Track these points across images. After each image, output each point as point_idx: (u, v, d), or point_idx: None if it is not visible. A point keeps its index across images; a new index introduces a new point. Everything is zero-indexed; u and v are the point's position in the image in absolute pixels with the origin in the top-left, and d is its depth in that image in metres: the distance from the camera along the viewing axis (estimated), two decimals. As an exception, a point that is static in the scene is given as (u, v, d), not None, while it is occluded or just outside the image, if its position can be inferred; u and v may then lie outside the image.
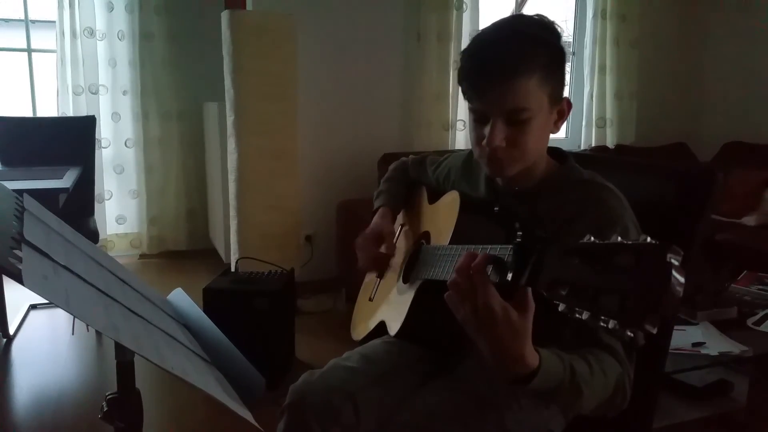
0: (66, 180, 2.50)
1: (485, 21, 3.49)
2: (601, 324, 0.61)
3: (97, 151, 3.57)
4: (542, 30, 1.00)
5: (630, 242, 0.61)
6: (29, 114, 3.98)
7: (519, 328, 0.77)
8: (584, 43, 4.09)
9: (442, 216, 1.21)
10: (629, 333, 0.59)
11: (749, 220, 3.43)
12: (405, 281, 1.23)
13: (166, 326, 0.86)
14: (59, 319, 3.04)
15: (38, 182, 2.44)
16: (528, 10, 4.21)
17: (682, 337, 1.86)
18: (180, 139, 4.12)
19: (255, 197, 2.96)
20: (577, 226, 0.99)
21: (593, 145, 4.14)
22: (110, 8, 3.85)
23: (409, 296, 1.16)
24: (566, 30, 4.27)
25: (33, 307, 3.14)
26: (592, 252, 0.64)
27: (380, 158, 3.24)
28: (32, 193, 0.98)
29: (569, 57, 4.10)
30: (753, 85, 4.15)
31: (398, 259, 1.33)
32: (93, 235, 2.84)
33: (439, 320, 1.12)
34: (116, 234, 4.16)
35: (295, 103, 3.01)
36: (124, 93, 3.96)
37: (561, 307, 0.66)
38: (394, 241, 1.36)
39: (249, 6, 3.27)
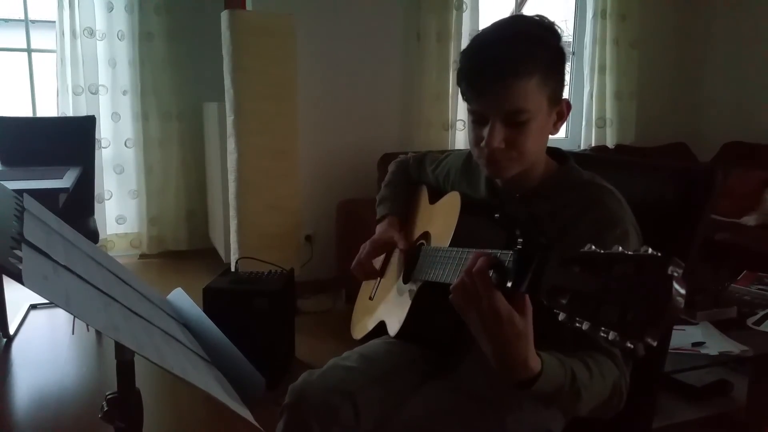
0: (66, 180, 2.50)
1: (485, 21, 3.49)
2: (602, 334, 0.61)
3: (97, 151, 3.57)
4: (542, 31, 0.99)
5: (632, 253, 0.61)
6: (29, 114, 3.98)
7: (522, 330, 0.78)
8: (584, 43, 4.09)
9: (443, 217, 1.20)
10: (629, 344, 0.59)
11: (749, 220, 3.43)
12: (405, 281, 1.23)
13: (166, 326, 0.86)
14: (59, 319, 3.04)
15: (38, 182, 2.43)
16: (528, 11, 4.22)
17: (682, 337, 1.86)
18: (180, 139, 4.12)
19: (255, 197, 2.96)
20: (577, 227, 0.99)
21: (593, 145, 4.13)
22: (110, 8, 3.85)
23: (409, 297, 1.16)
24: (566, 30, 4.27)
25: (33, 307, 3.14)
26: (593, 261, 0.64)
27: (380, 158, 3.23)
28: (32, 193, 0.98)
29: (569, 57, 4.09)
30: (753, 85, 4.15)
31: (398, 259, 1.33)
32: (93, 235, 2.84)
33: (440, 321, 1.13)
34: (116, 234, 4.16)
35: (295, 103, 3.01)
36: (124, 93, 3.96)
37: (561, 317, 0.66)
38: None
39: (249, 6, 3.27)
